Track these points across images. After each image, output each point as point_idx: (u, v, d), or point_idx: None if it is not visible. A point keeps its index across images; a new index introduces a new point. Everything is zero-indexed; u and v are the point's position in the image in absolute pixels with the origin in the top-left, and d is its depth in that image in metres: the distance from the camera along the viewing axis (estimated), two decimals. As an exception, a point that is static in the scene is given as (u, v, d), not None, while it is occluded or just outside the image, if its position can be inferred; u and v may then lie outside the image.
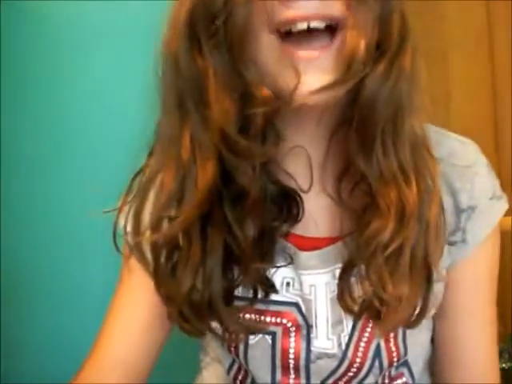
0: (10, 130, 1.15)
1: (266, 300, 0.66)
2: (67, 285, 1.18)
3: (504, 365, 1.23)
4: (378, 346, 0.68)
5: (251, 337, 0.68)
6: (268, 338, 0.68)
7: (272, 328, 0.68)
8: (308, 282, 0.67)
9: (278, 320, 0.67)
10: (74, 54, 1.13)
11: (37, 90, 1.13)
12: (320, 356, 0.68)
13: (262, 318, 0.67)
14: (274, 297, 0.67)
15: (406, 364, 0.71)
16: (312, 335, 0.67)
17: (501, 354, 1.24)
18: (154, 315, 0.69)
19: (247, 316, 0.67)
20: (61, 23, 1.12)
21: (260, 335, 0.68)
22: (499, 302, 0.73)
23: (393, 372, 0.71)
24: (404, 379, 0.72)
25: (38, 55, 1.13)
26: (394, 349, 0.69)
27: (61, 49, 1.13)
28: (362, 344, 0.67)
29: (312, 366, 0.68)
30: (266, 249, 0.62)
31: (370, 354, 0.68)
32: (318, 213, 0.65)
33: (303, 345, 0.67)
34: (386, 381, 0.71)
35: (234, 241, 0.59)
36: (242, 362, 0.70)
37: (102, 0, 1.10)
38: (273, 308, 0.67)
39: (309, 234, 0.66)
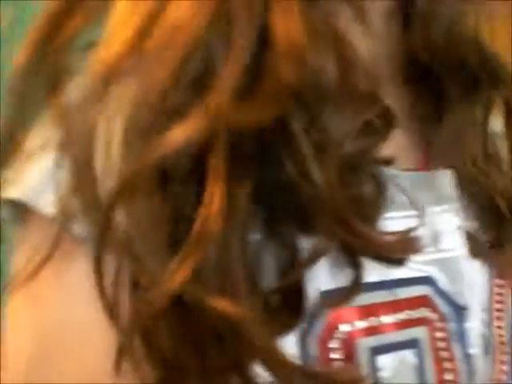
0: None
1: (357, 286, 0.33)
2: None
3: (504, 364, 1.24)
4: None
5: (381, 359, 0.34)
6: (408, 353, 0.36)
7: (398, 335, 0.35)
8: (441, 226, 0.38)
9: (407, 315, 0.36)
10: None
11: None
12: (479, 356, 0.39)
13: (375, 318, 0.35)
14: (371, 277, 0.34)
15: None
16: (467, 325, 0.38)
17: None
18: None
19: (342, 328, 0.33)
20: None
21: (391, 354, 0.35)
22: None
23: None
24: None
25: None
26: None
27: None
28: (497, 314, 0.42)
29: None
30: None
31: (507, 316, 0.42)
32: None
33: (459, 351, 0.38)
34: None
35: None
36: None
37: None
38: (387, 297, 0.35)
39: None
